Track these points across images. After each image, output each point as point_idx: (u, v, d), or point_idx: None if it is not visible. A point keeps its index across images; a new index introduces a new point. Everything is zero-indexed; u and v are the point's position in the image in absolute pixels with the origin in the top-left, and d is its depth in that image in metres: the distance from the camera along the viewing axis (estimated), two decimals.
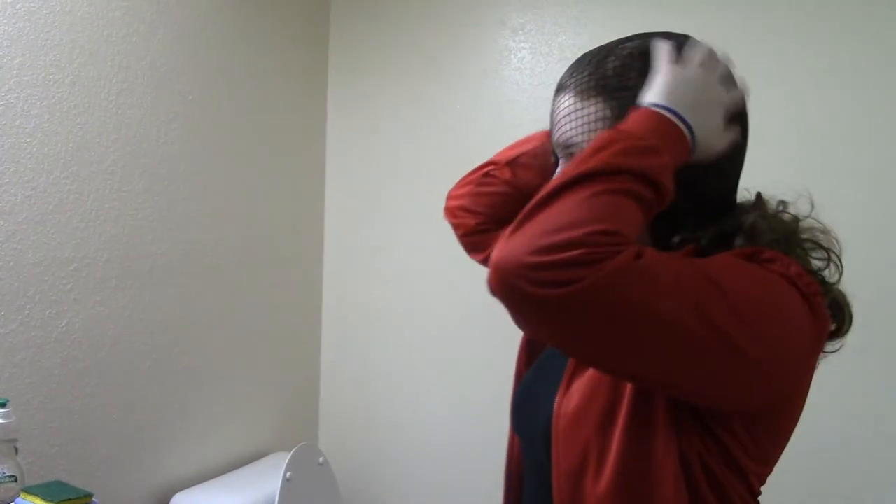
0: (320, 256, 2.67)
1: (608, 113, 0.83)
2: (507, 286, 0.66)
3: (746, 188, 0.89)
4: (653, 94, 0.78)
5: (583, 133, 0.84)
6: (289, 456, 2.03)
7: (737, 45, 1.80)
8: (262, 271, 2.37)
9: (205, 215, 2.13)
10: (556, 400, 0.85)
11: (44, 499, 1.42)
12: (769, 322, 0.71)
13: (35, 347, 1.67)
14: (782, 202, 0.87)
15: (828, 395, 1.80)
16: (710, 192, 0.84)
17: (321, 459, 2.18)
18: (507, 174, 1.12)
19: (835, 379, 1.79)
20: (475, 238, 1.16)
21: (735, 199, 0.88)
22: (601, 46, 0.88)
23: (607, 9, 2.16)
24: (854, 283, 0.87)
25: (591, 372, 0.82)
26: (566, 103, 0.87)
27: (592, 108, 0.84)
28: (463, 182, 1.19)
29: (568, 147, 0.87)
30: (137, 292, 1.92)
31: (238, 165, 2.26)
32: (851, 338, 0.82)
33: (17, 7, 1.62)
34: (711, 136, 0.79)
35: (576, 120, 0.85)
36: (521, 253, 0.64)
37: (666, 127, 0.75)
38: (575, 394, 0.83)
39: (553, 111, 0.90)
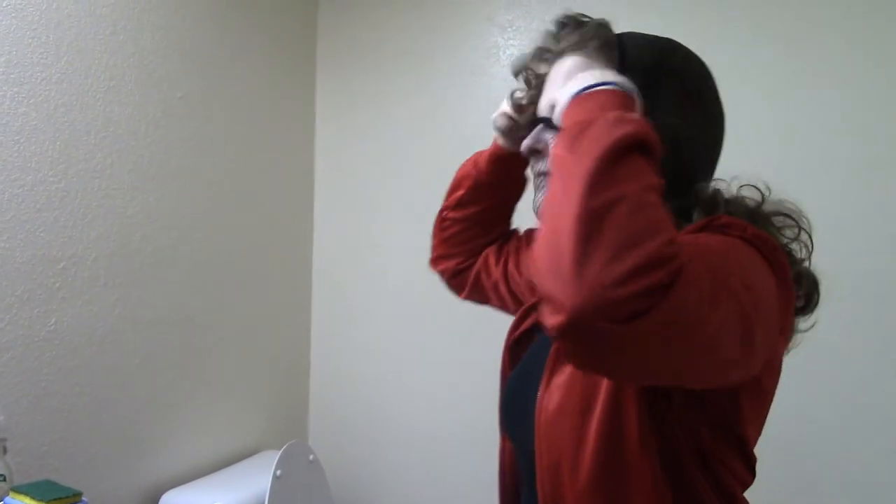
0: (309, 254, 2.67)
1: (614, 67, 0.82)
2: (583, 330, 0.59)
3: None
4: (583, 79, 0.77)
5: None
6: (279, 454, 2.03)
7: (720, 44, 1.81)
8: (251, 269, 2.37)
9: (194, 214, 2.13)
10: (538, 397, 0.86)
11: (33, 498, 1.41)
12: (758, 290, 0.71)
13: (23, 346, 1.67)
14: (744, 185, 0.88)
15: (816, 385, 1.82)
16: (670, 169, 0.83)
17: (311, 457, 2.18)
18: (459, 213, 1.19)
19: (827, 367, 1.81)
20: (458, 279, 1.23)
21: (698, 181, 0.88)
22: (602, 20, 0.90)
23: (594, 6, 2.16)
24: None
25: (569, 368, 0.83)
26: (568, 63, 0.83)
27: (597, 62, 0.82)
28: (432, 236, 1.25)
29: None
30: (126, 291, 1.91)
31: (227, 163, 2.26)
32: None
33: (3, 4, 1.61)
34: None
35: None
36: (601, 288, 0.57)
37: (605, 97, 0.73)
38: (555, 391, 0.84)
39: (547, 75, 0.86)
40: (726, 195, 0.85)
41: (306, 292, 2.66)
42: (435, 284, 1.31)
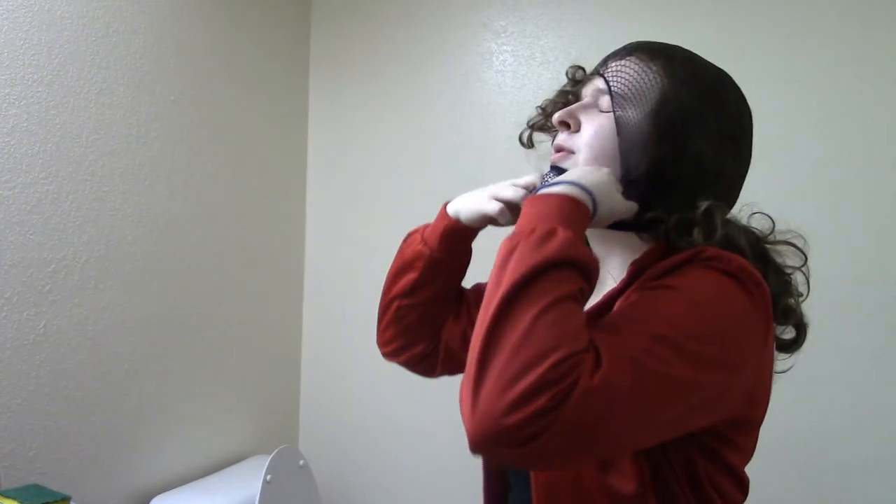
0: (301, 258, 2.66)
1: (664, 89, 0.84)
2: (490, 452, 0.66)
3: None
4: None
5: (628, 87, 0.85)
6: (269, 459, 2.02)
7: (715, 49, 1.81)
8: (242, 273, 2.36)
9: (185, 216, 2.12)
10: None
11: (21, 502, 1.40)
12: (723, 340, 0.73)
13: (12, 349, 1.65)
14: (755, 213, 0.89)
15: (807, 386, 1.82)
16: (688, 190, 0.84)
17: (302, 462, 2.18)
18: (415, 298, 1.09)
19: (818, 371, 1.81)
20: (426, 362, 1.15)
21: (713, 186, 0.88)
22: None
23: (589, 12, 2.17)
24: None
25: None
26: (626, 59, 0.87)
27: (651, 78, 0.85)
28: (382, 328, 1.15)
29: (602, 93, 0.88)
30: (116, 294, 1.90)
31: (219, 166, 2.25)
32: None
33: None
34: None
35: (633, 76, 0.86)
36: (493, 417, 0.63)
37: (552, 204, 0.76)
38: None
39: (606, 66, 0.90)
40: (728, 216, 0.86)
41: (297, 297, 2.65)
42: None
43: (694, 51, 0.90)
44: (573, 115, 0.90)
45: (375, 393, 2.51)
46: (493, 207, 0.97)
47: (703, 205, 0.82)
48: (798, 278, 0.86)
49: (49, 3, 1.72)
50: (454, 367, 1.14)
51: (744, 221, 0.88)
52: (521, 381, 0.62)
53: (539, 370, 0.62)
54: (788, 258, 0.86)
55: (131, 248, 1.95)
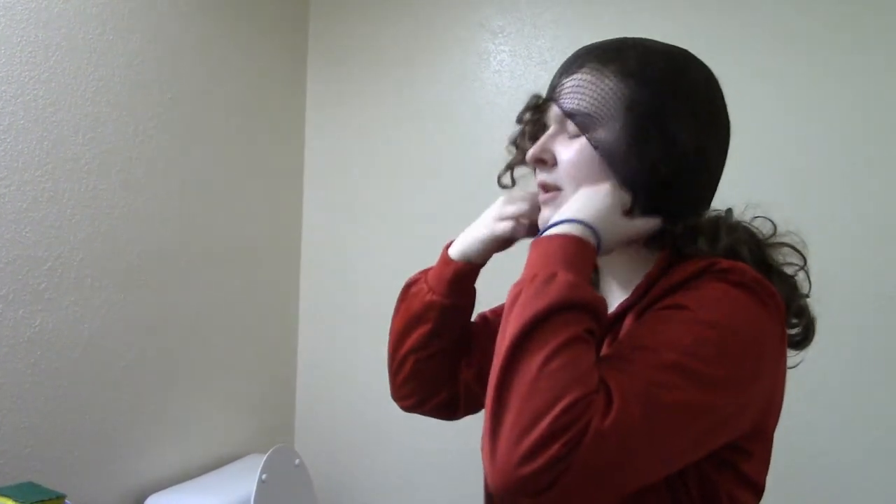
0: (297, 257, 2.66)
1: (626, 93, 0.81)
2: (512, 501, 0.66)
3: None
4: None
5: (591, 103, 0.82)
6: (264, 458, 2.02)
7: (715, 49, 1.82)
8: (238, 272, 2.36)
9: (182, 215, 2.12)
10: None
11: (16, 500, 1.40)
12: (737, 358, 0.73)
13: (7, 347, 1.65)
14: (757, 217, 0.88)
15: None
16: (678, 191, 0.83)
17: (297, 461, 2.18)
18: (430, 349, 1.05)
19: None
20: (454, 406, 1.11)
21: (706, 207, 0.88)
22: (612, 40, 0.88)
23: (586, 12, 2.18)
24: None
25: None
26: (581, 73, 0.84)
27: (611, 84, 0.82)
28: (399, 384, 1.10)
29: (567, 116, 0.85)
30: (112, 292, 1.90)
31: (216, 164, 2.25)
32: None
33: None
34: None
35: (590, 90, 0.83)
36: (509, 468, 0.64)
37: (555, 247, 0.76)
38: None
39: (558, 82, 0.87)
40: (731, 221, 0.86)
41: (294, 296, 2.65)
42: None
43: (690, 49, 0.89)
44: (546, 150, 0.87)
45: (371, 392, 2.51)
46: (506, 226, 0.95)
47: (708, 213, 0.82)
48: (800, 275, 0.86)
49: (46, 1, 1.72)
50: (476, 406, 1.11)
51: (746, 220, 0.88)
52: (533, 431, 0.63)
53: (549, 418, 0.63)
54: (789, 257, 0.85)
55: (127, 246, 1.94)
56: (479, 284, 1.04)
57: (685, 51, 0.88)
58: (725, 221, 0.84)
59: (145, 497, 1.98)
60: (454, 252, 1.01)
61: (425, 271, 1.06)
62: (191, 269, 2.16)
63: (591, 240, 0.77)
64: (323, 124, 2.64)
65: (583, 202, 0.80)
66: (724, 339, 0.72)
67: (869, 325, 1.82)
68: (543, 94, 0.92)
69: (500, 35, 2.31)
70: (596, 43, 0.88)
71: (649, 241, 0.85)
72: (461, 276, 1.01)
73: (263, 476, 1.99)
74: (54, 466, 1.76)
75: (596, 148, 0.82)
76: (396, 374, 1.09)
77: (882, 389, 1.81)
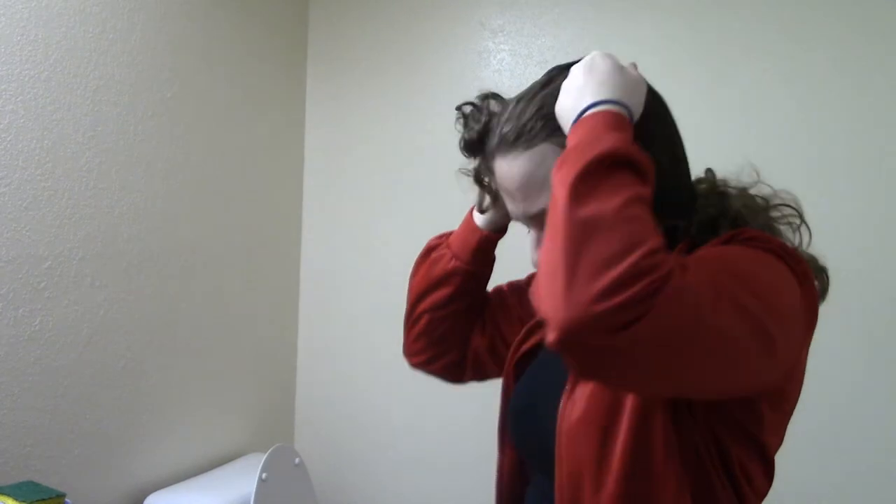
0: (297, 257, 2.66)
1: (558, 149, 0.80)
2: (579, 344, 0.63)
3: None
4: (566, 104, 0.79)
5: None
6: (264, 457, 2.02)
7: (714, 49, 1.81)
8: (238, 271, 2.36)
9: (181, 214, 2.12)
10: (561, 406, 0.85)
11: (16, 499, 1.40)
12: (779, 298, 0.72)
13: (7, 346, 1.65)
14: (738, 182, 0.90)
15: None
16: (670, 178, 0.84)
17: (297, 460, 2.18)
18: (447, 310, 1.08)
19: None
20: (461, 368, 1.14)
21: (690, 180, 0.89)
22: (518, 97, 0.88)
23: (586, 11, 2.18)
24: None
25: None
26: (519, 169, 0.84)
27: (552, 157, 0.80)
28: (412, 339, 1.13)
29: (540, 215, 0.84)
30: (112, 291, 1.90)
31: (215, 164, 2.25)
32: None
33: None
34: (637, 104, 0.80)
35: (540, 182, 0.82)
36: (585, 304, 0.61)
37: (597, 119, 0.74)
38: (579, 400, 0.83)
39: (497, 186, 0.89)
40: (734, 190, 0.87)
41: (294, 295, 2.65)
42: None
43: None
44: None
45: (371, 391, 2.51)
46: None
47: (732, 205, 0.84)
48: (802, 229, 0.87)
49: (46, 0, 1.72)
50: (482, 373, 1.14)
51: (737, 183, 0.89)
52: (615, 268, 0.61)
53: (633, 257, 0.61)
54: (790, 218, 0.87)
55: (127, 245, 1.94)
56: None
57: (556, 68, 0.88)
58: (729, 198, 0.85)
59: (145, 496, 1.98)
60: (480, 221, 1.04)
61: (446, 235, 1.10)
62: (190, 269, 2.16)
63: (625, 113, 0.76)
64: (322, 122, 2.64)
65: (608, 84, 0.78)
66: (767, 282, 0.72)
67: (880, 322, 1.82)
68: None
69: (500, 34, 2.31)
70: (498, 127, 0.88)
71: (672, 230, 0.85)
72: (486, 245, 1.04)
73: (263, 475, 1.99)
74: (54, 465, 1.76)
75: None
76: (411, 329, 1.12)
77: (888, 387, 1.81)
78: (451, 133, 1.02)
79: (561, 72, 0.85)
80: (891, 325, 1.80)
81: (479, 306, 1.12)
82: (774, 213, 0.87)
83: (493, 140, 0.88)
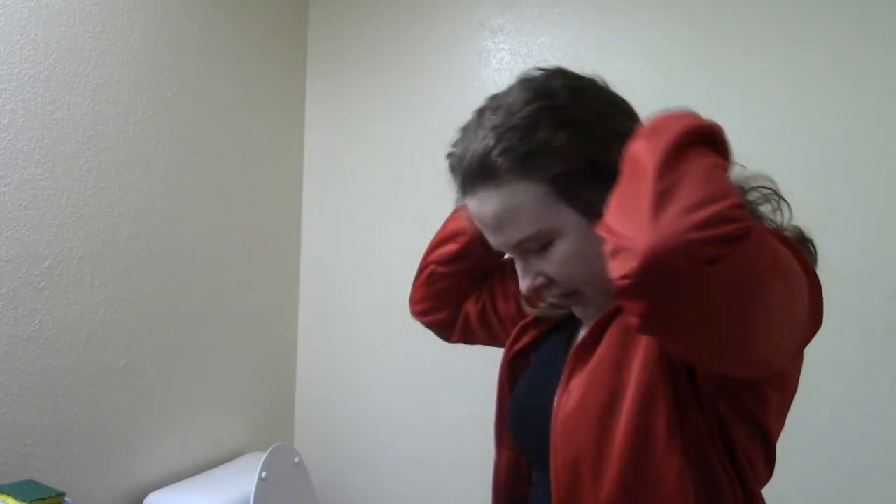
0: (297, 256, 2.66)
1: (545, 188, 0.81)
2: (662, 273, 0.61)
3: None
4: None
5: (530, 223, 0.83)
6: (264, 456, 2.02)
7: (714, 48, 1.81)
8: (238, 271, 2.36)
9: (181, 213, 2.12)
10: (556, 399, 0.85)
11: (16, 498, 1.40)
12: (796, 279, 0.72)
13: (7, 346, 1.65)
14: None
15: None
16: None
17: (297, 459, 2.18)
18: (450, 267, 1.14)
19: None
20: (452, 328, 1.20)
21: None
22: (470, 125, 0.90)
23: (586, 11, 2.18)
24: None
25: (589, 367, 0.84)
26: (493, 206, 0.84)
27: (526, 194, 0.81)
28: (416, 288, 1.21)
29: (521, 245, 0.85)
30: (112, 291, 1.90)
31: (215, 164, 2.25)
32: None
33: None
34: None
35: (516, 214, 0.83)
36: (678, 232, 0.60)
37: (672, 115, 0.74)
38: (574, 391, 0.84)
39: (475, 218, 0.89)
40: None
41: (293, 294, 2.65)
42: None
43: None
44: (536, 280, 0.87)
45: (371, 390, 2.51)
46: None
47: None
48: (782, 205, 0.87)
49: None
50: (468, 337, 1.20)
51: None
52: (711, 206, 0.60)
53: (725, 203, 0.61)
54: (768, 201, 0.87)
55: (127, 244, 1.94)
56: None
57: (540, 81, 0.89)
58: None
59: (145, 495, 1.98)
60: None
61: None
62: (191, 268, 2.16)
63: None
64: (322, 123, 2.64)
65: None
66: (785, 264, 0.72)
67: (878, 320, 1.82)
68: None
69: (499, 33, 2.31)
70: (461, 167, 0.89)
71: None
72: None
73: (263, 474, 1.99)
74: (54, 464, 1.76)
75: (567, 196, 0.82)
76: (416, 278, 1.19)
77: (889, 387, 1.81)
78: (452, 133, 1.02)
79: (490, 101, 0.88)
80: (890, 324, 1.80)
81: (483, 272, 1.16)
82: (754, 195, 0.86)
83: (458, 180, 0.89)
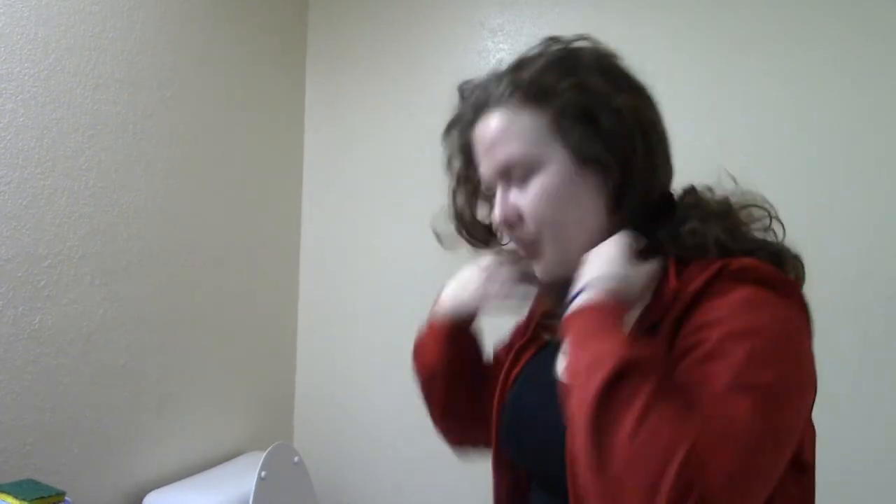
0: (297, 255, 2.66)
1: (543, 120, 0.85)
2: None
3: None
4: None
5: (521, 145, 0.86)
6: (264, 455, 2.02)
7: (714, 48, 1.81)
8: (238, 269, 2.36)
9: (181, 213, 2.12)
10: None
11: (16, 497, 1.40)
12: (785, 356, 0.73)
13: (6, 345, 1.65)
14: (708, 188, 0.90)
15: None
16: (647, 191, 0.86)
17: (296, 458, 2.18)
18: (451, 412, 1.15)
19: None
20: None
21: (669, 191, 0.90)
22: (502, 68, 0.94)
23: (586, 11, 2.18)
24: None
25: None
26: (494, 123, 0.89)
27: (526, 119, 0.86)
28: (444, 430, 1.20)
29: (507, 168, 0.88)
30: (112, 290, 1.90)
31: (215, 163, 2.25)
32: None
33: None
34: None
35: (511, 135, 0.87)
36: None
37: (587, 317, 0.76)
38: None
39: (472, 141, 0.94)
40: (693, 200, 0.87)
41: (293, 293, 2.65)
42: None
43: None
44: (510, 211, 0.89)
45: (370, 389, 2.51)
46: (496, 304, 1.01)
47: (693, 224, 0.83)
48: (774, 225, 0.87)
49: None
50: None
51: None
52: (658, 496, 0.62)
53: (669, 481, 0.62)
54: (759, 221, 0.87)
55: (126, 244, 1.94)
56: None
57: (568, 51, 0.91)
58: (709, 209, 0.85)
59: (145, 494, 1.98)
60: (443, 311, 1.08)
61: (423, 333, 1.14)
62: (190, 267, 2.16)
63: (617, 297, 0.78)
64: (322, 123, 2.64)
65: (599, 266, 0.80)
66: (769, 341, 0.72)
67: (878, 320, 1.82)
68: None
69: (499, 33, 2.31)
70: (482, 87, 0.95)
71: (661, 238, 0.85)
72: (455, 332, 1.08)
73: (263, 473, 1.99)
74: (54, 464, 1.76)
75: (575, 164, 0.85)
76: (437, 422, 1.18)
77: (889, 388, 1.81)
78: None
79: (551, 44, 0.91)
80: (890, 324, 1.80)
81: (479, 382, 1.12)
82: (743, 217, 0.86)
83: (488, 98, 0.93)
